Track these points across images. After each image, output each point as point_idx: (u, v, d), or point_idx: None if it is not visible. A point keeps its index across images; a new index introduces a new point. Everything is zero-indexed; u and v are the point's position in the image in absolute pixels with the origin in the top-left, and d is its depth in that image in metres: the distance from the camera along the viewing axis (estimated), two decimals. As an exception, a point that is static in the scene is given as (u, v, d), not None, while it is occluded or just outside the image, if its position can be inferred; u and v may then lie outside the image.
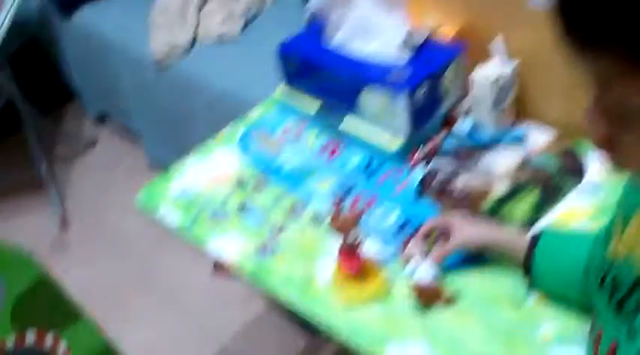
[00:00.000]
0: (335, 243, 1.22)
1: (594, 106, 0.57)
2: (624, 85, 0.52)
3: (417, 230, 1.19)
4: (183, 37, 2.36)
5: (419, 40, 1.40)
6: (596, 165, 1.31)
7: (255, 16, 2.46)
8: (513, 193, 1.30)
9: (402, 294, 1.15)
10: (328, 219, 1.26)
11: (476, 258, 1.16)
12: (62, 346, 2.21)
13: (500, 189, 1.31)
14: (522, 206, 1.27)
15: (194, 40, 2.39)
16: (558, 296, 1.08)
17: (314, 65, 1.46)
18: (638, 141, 0.55)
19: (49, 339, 2.24)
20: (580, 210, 1.25)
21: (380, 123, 1.39)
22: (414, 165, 1.39)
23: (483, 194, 1.30)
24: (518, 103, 1.43)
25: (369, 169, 1.41)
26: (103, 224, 2.70)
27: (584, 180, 1.31)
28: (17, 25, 2.59)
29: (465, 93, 1.46)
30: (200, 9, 2.48)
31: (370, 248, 1.20)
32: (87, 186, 2.89)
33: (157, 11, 2.51)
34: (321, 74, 1.45)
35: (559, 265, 1.04)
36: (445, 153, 1.40)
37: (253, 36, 2.36)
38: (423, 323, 1.10)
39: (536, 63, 1.37)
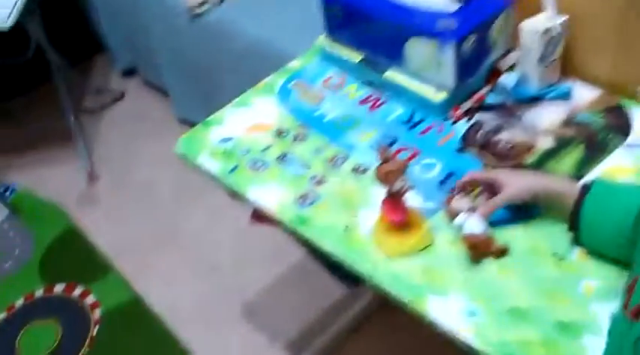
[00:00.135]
0: (377, 194, 1.22)
1: None
2: None
3: (461, 180, 1.18)
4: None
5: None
6: (643, 123, 1.29)
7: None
8: (558, 149, 1.28)
9: (444, 246, 1.15)
10: (373, 168, 1.26)
11: (518, 213, 1.15)
12: (91, 298, 2.23)
13: (544, 144, 1.29)
14: (567, 162, 1.25)
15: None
16: (602, 247, 1.06)
17: (358, 12, 1.44)
18: None
19: (77, 291, 2.26)
20: (625, 168, 1.23)
21: (424, 74, 1.38)
22: (457, 119, 1.37)
23: (527, 149, 1.29)
24: (564, 59, 1.41)
25: (410, 122, 1.39)
26: (130, 178, 2.71)
27: (630, 138, 1.29)
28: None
29: (511, 46, 1.44)
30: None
31: (412, 200, 1.19)
32: (114, 139, 2.90)
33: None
34: (365, 22, 1.43)
35: (609, 214, 1.03)
36: (489, 107, 1.39)
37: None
38: (464, 276, 1.10)
39: (585, 19, 1.35)
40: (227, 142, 1.43)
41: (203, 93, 2.56)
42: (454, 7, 1.34)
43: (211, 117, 1.50)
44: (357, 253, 1.17)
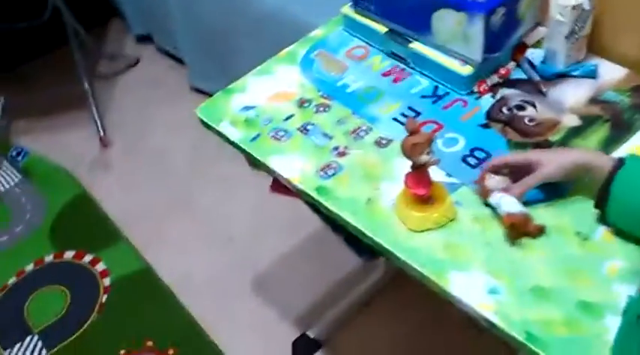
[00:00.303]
0: (399, 167, 1.21)
1: None
2: None
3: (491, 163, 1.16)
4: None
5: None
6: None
7: None
8: (583, 127, 1.27)
9: (466, 222, 1.14)
10: (396, 141, 1.25)
11: (547, 192, 1.13)
12: (101, 266, 2.23)
13: (569, 121, 1.28)
14: (592, 140, 1.24)
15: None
16: (628, 224, 1.05)
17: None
18: None
19: (87, 258, 2.26)
20: (652, 147, 1.22)
21: (451, 47, 1.36)
22: (482, 94, 1.35)
23: (552, 126, 1.27)
24: (591, 37, 1.39)
25: (434, 96, 1.38)
26: (143, 145, 2.70)
27: (657, 118, 1.27)
28: None
29: (539, 21, 1.41)
30: None
31: (435, 175, 1.18)
32: (128, 105, 2.89)
33: None
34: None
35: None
36: (514, 82, 1.37)
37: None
38: (486, 253, 1.09)
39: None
40: (249, 110, 1.41)
41: (219, 61, 2.54)
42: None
43: (233, 84, 1.48)
44: (379, 226, 1.15)
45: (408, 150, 1.07)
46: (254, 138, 1.35)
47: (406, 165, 1.12)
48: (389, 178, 1.22)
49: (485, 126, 1.29)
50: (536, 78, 1.35)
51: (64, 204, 2.47)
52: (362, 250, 1.33)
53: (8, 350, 2.02)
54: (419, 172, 1.10)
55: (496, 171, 1.14)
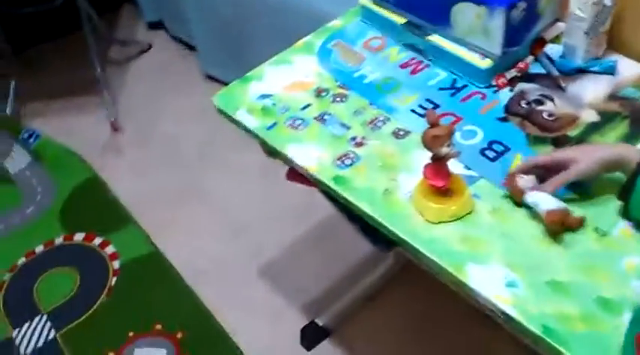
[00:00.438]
0: (417, 158, 1.21)
1: None
2: None
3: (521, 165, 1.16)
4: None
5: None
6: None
7: None
8: (602, 123, 1.27)
9: (484, 214, 1.14)
10: (413, 133, 1.25)
11: (570, 188, 1.14)
12: (110, 249, 2.24)
13: (588, 117, 1.28)
14: (610, 136, 1.24)
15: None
16: None
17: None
18: None
19: (97, 241, 2.27)
20: (671, 145, 1.22)
21: (470, 40, 1.36)
22: (500, 87, 1.35)
23: (571, 121, 1.27)
24: (610, 33, 1.38)
25: (453, 88, 1.38)
26: (154, 131, 2.70)
27: (676, 116, 1.27)
28: None
29: (559, 16, 1.41)
30: None
31: (453, 167, 1.18)
32: (139, 91, 2.89)
33: None
34: (412, -16, 1.41)
35: None
36: (533, 77, 1.37)
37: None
38: (505, 246, 1.09)
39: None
40: (266, 99, 1.41)
41: (232, 48, 2.54)
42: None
43: (250, 72, 1.49)
44: (396, 217, 1.16)
45: (429, 142, 1.07)
46: (271, 127, 1.35)
47: (424, 157, 1.13)
48: (406, 169, 1.23)
49: (504, 119, 1.30)
50: (555, 73, 1.35)
51: (74, 186, 2.48)
52: (378, 240, 1.33)
53: (17, 330, 2.03)
54: (438, 164, 1.11)
55: (526, 171, 1.14)
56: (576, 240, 1.08)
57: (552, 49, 1.40)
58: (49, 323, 2.04)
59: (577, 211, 1.11)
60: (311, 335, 1.92)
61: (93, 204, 2.43)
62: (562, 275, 1.04)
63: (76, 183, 2.49)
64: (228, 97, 1.44)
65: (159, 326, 1.98)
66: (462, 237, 1.11)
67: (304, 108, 1.38)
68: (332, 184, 1.23)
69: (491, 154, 1.23)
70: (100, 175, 2.51)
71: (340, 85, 1.42)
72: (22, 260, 2.25)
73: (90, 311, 2.05)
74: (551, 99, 1.31)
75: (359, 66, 1.46)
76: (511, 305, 1.00)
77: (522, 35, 1.36)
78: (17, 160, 2.62)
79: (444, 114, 1.31)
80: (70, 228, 2.33)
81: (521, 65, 1.38)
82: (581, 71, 1.36)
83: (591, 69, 1.36)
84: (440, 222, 1.13)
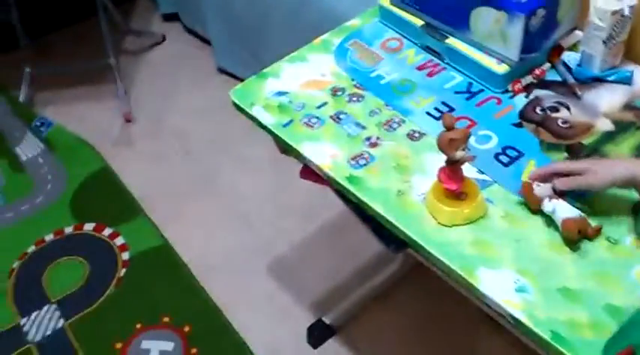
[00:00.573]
0: (431, 161, 1.22)
1: None
2: None
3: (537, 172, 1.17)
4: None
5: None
6: None
7: None
8: (616, 132, 1.27)
9: (496, 219, 1.14)
10: (428, 135, 1.26)
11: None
12: (120, 240, 2.24)
13: (603, 126, 1.28)
14: (624, 146, 1.24)
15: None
16: None
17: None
18: None
19: (107, 231, 2.28)
20: (685, 157, 1.22)
21: (488, 45, 1.36)
22: (516, 93, 1.36)
23: (586, 129, 1.27)
24: (627, 44, 1.39)
25: (468, 92, 1.38)
26: (166, 123, 2.71)
27: (691, 128, 1.27)
28: None
29: (577, 25, 1.42)
30: None
31: (467, 171, 1.18)
32: (152, 83, 2.90)
33: None
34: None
35: None
36: (549, 84, 1.37)
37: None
38: (515, 251, 1.10)
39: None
40: (282, 96, 1.42)
41: (246, 44, 2.55)
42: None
43: (267, 69, 1.49)
44: (409, 218, 1.17)
45: (445, 145, 1.08)
46: (286, 124, 1.36)
47: (438, 160, 1.13)
48: (420, 172, 1.24)
49: (518, 125, 1.30)
50: (572, 80, 1.36)
51: (85, 176, 2.49)
52: (390, 241, 1.34)
53: (26, 318, 2.04)
54: (452, 167, 1.11)
55: (543, 179, 1.14)
56: (588, 249, 1.09)
57: (570, 57, 1.41)
58: (57, 312, 2.05)
59: (590, 218, 1.11)
60: (317, 333, 1.93)
61: (104, 195, 2.44)
62: (573, 283, 1.04)
63: (87, 172, 2.50)
64: (245, 93, 1.44)
65: (167, 319, 1.99)
66: (473, 240, 1.12)
67: (320, 106, 1.39)
68: (346, 184, 1.24)
69: (505, 159, 1.24)
70: (111, 165, 2.52)
71: (356, 85, 1.43)
72: (31, 248, 2.26)
73: (98, 302, 2.06)
74: (567, 107, 1.32)
75: (376, 66, 1.47)
76: (520, 310, 1.01)
77: (540, 42, 1.36)
78: (29, 148, 2.63)
79: (459, 118, 1.32)
80: (80, 218, 2.34)
81: (537, 72, 1.38)
82: (598, 80, 1.37)
83: (608, 78, 1.37)
84: (452, 225, 1.14)
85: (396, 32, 1.55)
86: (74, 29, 3.13)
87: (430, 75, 1.43)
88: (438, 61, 1.46)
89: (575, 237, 1.08)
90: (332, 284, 2.05)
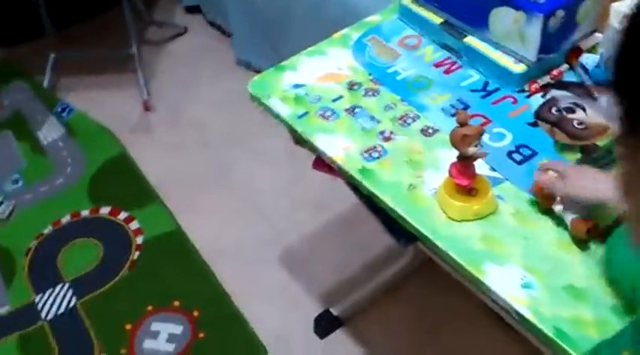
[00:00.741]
0: (443, 157, 1.23)
1: None
2: None
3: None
4: None
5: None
6: None
7: None
8: (631, 135, 1.27)
9: (506, 216, 1.16)
10: (442, 131, 1.27)
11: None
12: (135, 224, 2.27)
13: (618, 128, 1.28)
14: (638, 149, 1.24)
15: None
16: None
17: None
18: None
19: (122, 215, 2.31)
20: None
21: (506, 45, 1.37)
22: (533, 93, 1.37)
23: (601, 131, 1.28)
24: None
25: (484, 91, 1.39)
26: (184, 112, 2.73)
27: None
28: None
29: (596, 28, 1.42)
30: None
31: (479, 168, 1.20)
32: (172, 73, 2.93)
33: None
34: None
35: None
36: (566, 84, 1.38)
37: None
38: (524, 249, 1.11)
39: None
40: (299, 88, 1.44)
41: (266, 37, 2.57)
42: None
43: (285, 62, 1.51)
44: (419, 212, 1.18)
45: (457, 141, 1.09)
46: (302, 116, 1.38)
47: (451, 156, 1.15)
48: (432, 167, 1.25)
49: (534, 124, 1.31)
50: (589, 82, 1.36)
51: (103, 161, 2.52)
52: (399, 234, 1.35)
53: (40, 295, 2.08)
54: (464, 163, 1.13)
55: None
56: (596, 248, 1.09)
57: (588, 59, 1.41)
58: (70, 291, 2.09)
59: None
60: (325, 323, 1.94)
61: (120, 180, 2.47)
62: (579, 281, 1.05)
63: (105, 157, 2.54)
64: (262, 84, 1.46)
65: (177, 303, 2.02)
66: (482, 236, 1.13)
67: (336, 99, 1.41)
68: (358, 176, 1.25)
69: (518, 157, 1.25)
70: (129, 152, 2.55)
71: (373, 80, 1.45)
72: (48, 229, 2.29)
73: (111, 283, 2.10)
74: (583, 108, 1.32)
75: (393, 62, 1.48)
76: (525, 306, 1.02)
77: (559, 43, 1.37)
78: (50, 132, 2.67)
79: (473, 116, 1.33)
80: (97, 201, 2.37)
81: (555, 72, 1.39)
82: (614, 82, 1.37)
83: (624, 81, 1.37)
84: (462, 221, 1.15)
85: (415, 29, 1.56)
86: (99, 19, 3.17)
87: (447, 72, 1.44)
88: (456, 59, 1.47)
89: (583, 237, 1.09)
90: (342, 276, 2.07)
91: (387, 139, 1.31)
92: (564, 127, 1.28)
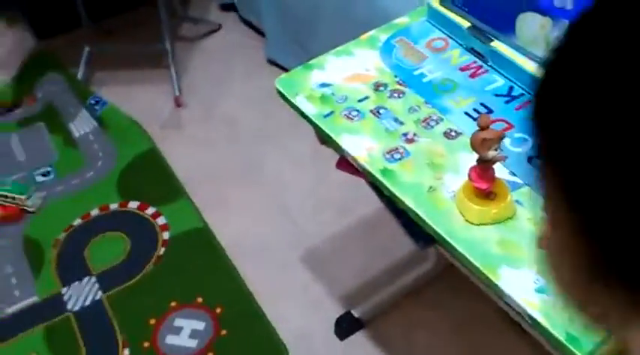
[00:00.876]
0: (465, 160, 1.23)
1: None
2: None
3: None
4: None
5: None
6: None
7: None
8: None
9: (524, 221, 1.16)
10: (465, 134, 1.28)
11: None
12: (162, 219, 2.31)
13: None
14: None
15: None
16: None
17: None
18: None
19: (150, 211, 2.34)
20: None
21: (532, 50, 1.37)
22: (557, 99, 1.36)
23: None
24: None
25: (509, 96, 1.39)
26: (215, 110, 2.76)
27: None
28: None
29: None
30: None
31: (499, 172, 1.20)
32: (205, 70, 2.95)
33: None
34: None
35: None
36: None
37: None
38: (540, 254, 1.11)
39: None
40: (325, 88, 1.45)
41: (298, 37, 2.59)
42: (576, -15, 1.33)
43: (313, 61, 1.52)
44: (438, 214, 1.19)
45: (477, 145, 1.10)
46: (327, 115, 1.39)
47: (472, 160, 1.15)
48: (453, 170, 1.25)
49: (556, 131, 1.30)
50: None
51: (134, 156, 2.56)
52: (419, 236, 1.36)
53: (67, 287, 2.12)
54: (484, 167, 1.13)
55: None
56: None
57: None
58: (97, 285, 2.12)
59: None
60: (345, 325, 1.95)
61: (150, 175, 2.51)
62: (594, 288, 1.05)
63: (136, 152, 2.57)
64: (290, 82, 1.48)
65: (200, 299, 2.04)
66: (499, 240, 1.13)
67: (362, 100, 1.42)
68: (379, 176, 1.26)
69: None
70: (160, 147, 2.58)
71: (399, 81, 1.45)
72: (77, 221, 2.33)
73: (137, 278, 2.13)
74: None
75: (420, 64, 1.49)
76: (538, 310, 1.02)
77: (585, 50, 1.36)
78: (82, 125, 2.71)
79: (496, 120, 1.33)
80: (126, 196, 2.41)
81: (580, 79, 1.38)
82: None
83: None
84: (480, 224, 1.16)
85: (443, 32, 1.56)
86: (134, 13, 3.21)
87: (472, 76, 1.45)
88: (482, 63, 1.48)
89: None
90: (363, 279, 2.08)
91: (410, 141, 1.32)
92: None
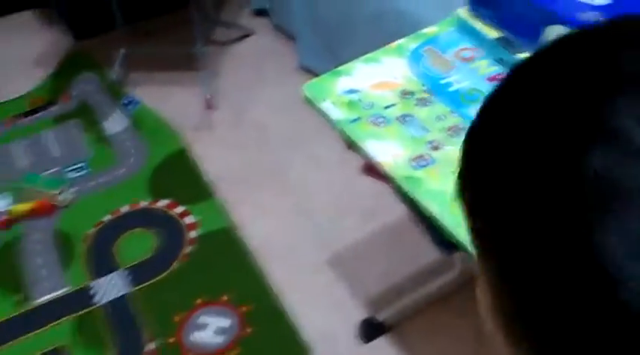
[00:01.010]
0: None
1: None
2: None
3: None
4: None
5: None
6: None
7: None
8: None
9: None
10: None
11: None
12: (190, 218, 2.35)
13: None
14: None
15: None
16: None
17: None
18: None
19: (178, 209, 2.39)
20: None
21: (559, 62, 1.38)
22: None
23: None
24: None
25: (535, 106, 1.40)
26: (245, 114, 2.79)
27: None
28: None
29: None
30: None
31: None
32: (236, 74, 2.99)
33: None
34: (510, 2, 1.44)
35: None
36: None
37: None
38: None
39: None
40: (352, 94, 1.48)
41: (330, 44, 2.61)
42: (604, 0, 1.34)
43: (341, 67, 1.55)
44: (461, 222, 1.20)
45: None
46: (354, 121, 1.41)
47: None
48: (478, 178, 1.27)
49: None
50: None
51: (165, 155, 2.61)
52: (442, 243, 1.38)
53: (95, 281, 2.17)
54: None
55: None
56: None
57: None
58: (124, 280, 2.17)
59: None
60: (369, 329, 1.97)
61: (180, 175, 2.55)
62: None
63: (167, 152, 2.62)
64: (318, 88, 1.50)
65: (226, 298, 2.08)
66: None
67: (388, 107, 1.44)
68: (404, 183, 1.28)
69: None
70: (190, 148, 2.63)
71: (426, 90, 1.47)
72: (107, 217, 2.38)
73: (163, 274, 2.17)
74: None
75: (447, 74, 1.51)
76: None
77: (612, 63, 1.37)
78: (116, 124, 2.77)
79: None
80: (156, 194, 2.45)
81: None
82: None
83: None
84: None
85: (471, 42, 1.58)
86: (168, 17, 3.26)
87: (499, 87, 1.46)
88: (509, 75, 1.49)
89: None
90: (388, 283, 2.10)
91: (436, 148, 1.34)
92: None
